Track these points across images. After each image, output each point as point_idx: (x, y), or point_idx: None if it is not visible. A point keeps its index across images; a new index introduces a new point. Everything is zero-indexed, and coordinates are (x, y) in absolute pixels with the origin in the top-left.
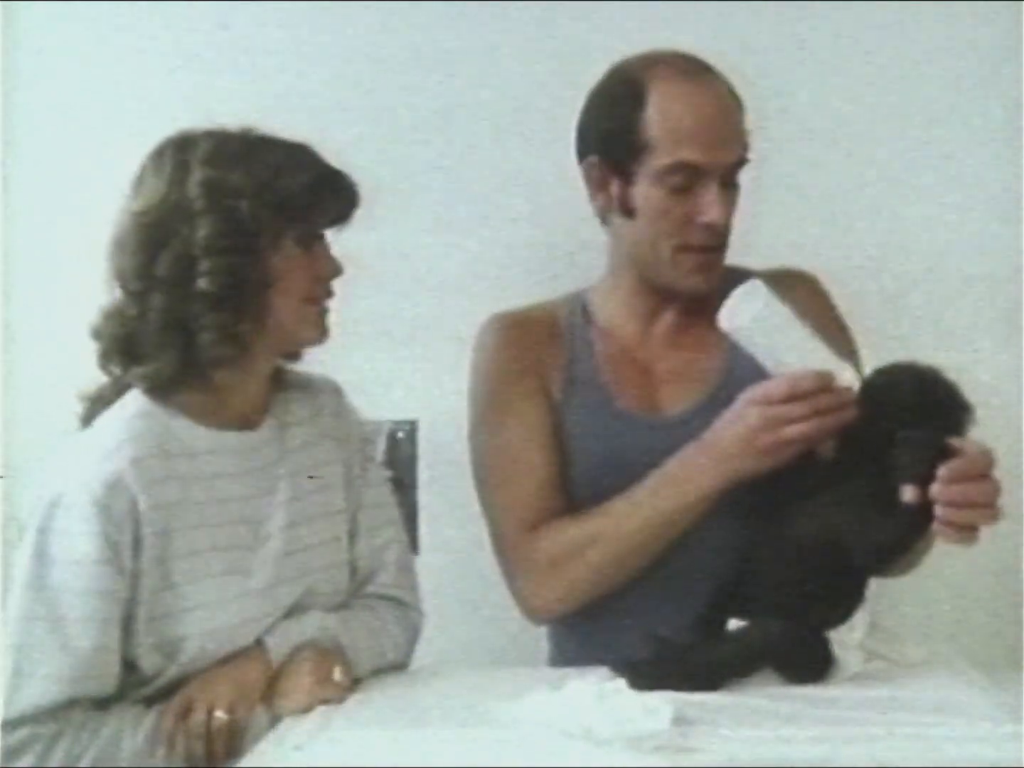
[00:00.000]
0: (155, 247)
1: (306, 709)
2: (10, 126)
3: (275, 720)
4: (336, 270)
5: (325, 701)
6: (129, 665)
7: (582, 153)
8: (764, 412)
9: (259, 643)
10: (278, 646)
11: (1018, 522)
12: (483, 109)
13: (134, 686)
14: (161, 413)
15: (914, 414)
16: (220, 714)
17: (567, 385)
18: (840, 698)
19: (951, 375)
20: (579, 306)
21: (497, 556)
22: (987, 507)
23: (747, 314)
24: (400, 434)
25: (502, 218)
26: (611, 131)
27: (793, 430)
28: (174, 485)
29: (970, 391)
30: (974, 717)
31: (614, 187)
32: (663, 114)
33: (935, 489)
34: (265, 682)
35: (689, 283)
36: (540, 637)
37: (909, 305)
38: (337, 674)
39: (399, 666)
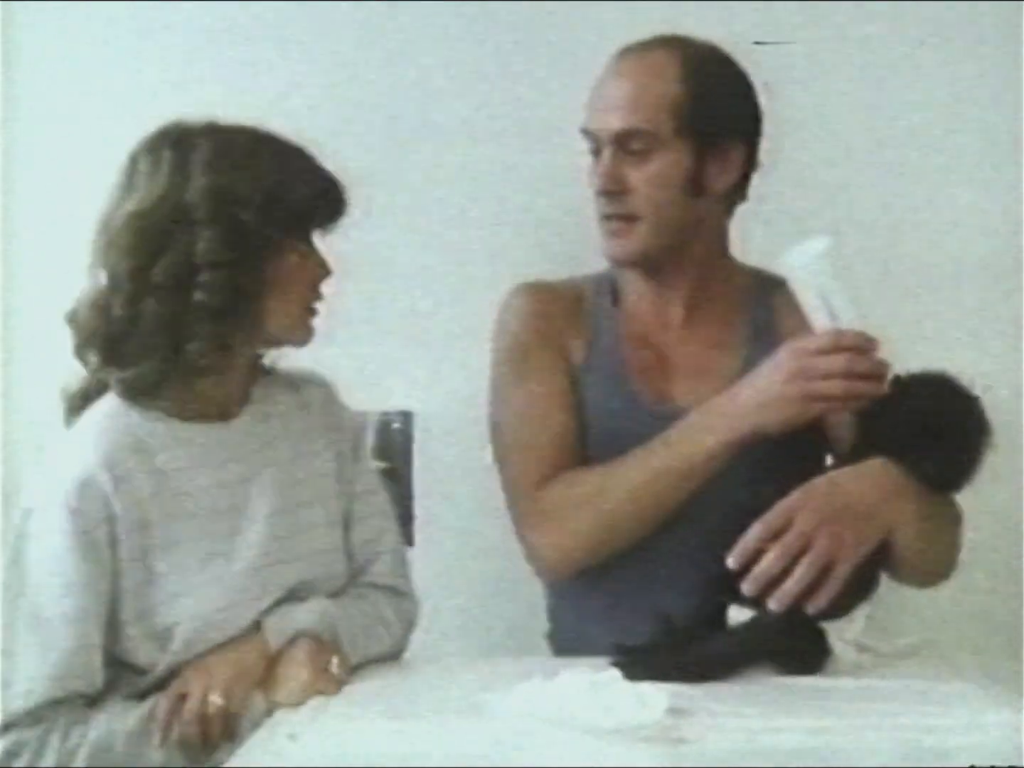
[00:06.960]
0: (152, 252)
1: (301, 701)
2: (11, 125)
3: (271, 707)
4: (327, 272)
5: (320, 693)
6: (120, 662)
7: None
8: (801, 360)
9: (258, 627)
10: (277, 631)
11: (1017, 512)
12: (478, 106)
13: (131, 681)
14: (133, 411)
15: (927, 426)
16: (215, 698)
17: (587, 360)
18: (833, 688)
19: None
20: (607, 285)
21: (511, 511)
22: (789, 575)
23: (811, 256)
24: (395, 425)
25: (496, 211)
26: None
27: (824, 385)
28: (148, 479)
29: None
30: (966, 706)
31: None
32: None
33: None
34: (263, 666)
35: (605, 250)
36: (535, 627)
37: (905, 303)
38: (334, 666)
39: (394, 655)
